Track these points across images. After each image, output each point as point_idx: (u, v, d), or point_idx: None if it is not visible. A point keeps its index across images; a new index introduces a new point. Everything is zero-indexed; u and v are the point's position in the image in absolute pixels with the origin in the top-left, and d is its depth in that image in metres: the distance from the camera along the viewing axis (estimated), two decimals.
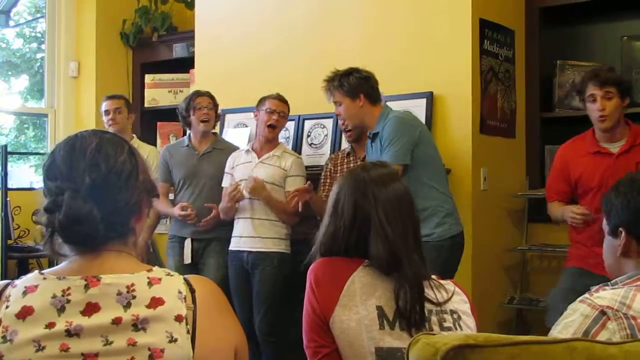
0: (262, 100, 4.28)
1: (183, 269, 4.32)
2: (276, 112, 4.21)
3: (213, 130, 4.64)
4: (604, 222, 1.99)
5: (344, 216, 2.00)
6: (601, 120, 3.48)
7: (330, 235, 2.03)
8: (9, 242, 5.17)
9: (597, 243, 3.38)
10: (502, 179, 4.34)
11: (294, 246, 4.14)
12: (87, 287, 1.43)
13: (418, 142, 3.60)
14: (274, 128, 4.23)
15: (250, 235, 4.17)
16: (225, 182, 4.31)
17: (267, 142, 4.26)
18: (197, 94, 4.57)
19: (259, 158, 4.25)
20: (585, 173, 3.55)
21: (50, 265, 5.19)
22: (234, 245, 4.24)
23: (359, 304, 1.88)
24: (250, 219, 4.18)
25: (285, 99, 4.29)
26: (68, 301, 1.41)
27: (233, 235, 4.25)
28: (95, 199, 1.44)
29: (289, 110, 4.31)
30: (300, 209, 4.00)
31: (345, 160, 4.16)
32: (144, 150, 4.78)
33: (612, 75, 3.50)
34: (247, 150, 4.33)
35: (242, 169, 4.26)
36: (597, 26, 4.77)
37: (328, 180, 4.19)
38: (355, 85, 3.66)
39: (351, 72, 3.70)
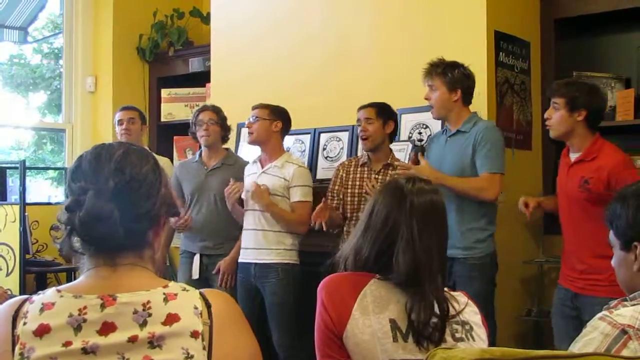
0: None
1: (192, 284, 4.32)
2: (249, 120, 4.26)
3: (225, 146, 4.65)
4: (611, 235, 1.93)
5: (374, 225, 2.00)
6: (547, 127, 3.61)
7: (357, 244, 2.02)
8: (27, 256, 5.19)
9: (564, 254, 3.64)
10: (518, 190, 4.31)
11: (310, 258, 4.13)
12: (103, 306, 1.43)
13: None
14: (250, 134, 4.25)
15: (255, 246, 4.18)
16: (243, 195, 4.33)
17: (267, 150, 4.27)
18: (201, 109, 4.60)
19: (262, 168, 4.26)
20: (558, 179, 3.72)
21: (69, 280, 5.22)
22: (241, 258, 4.26)
23: (372, 317, 1.88)
24: (255, 231, 4.18)
25: (259, 104, 4.29)
26: (84, 320, 1.42)
27: (241, 247, 4.27)
28: (117, 202, 1.45)
29: (268, 110, 4.27)
30: (324, 228, 3.96)
31: (359, 170, 4.13)
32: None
33: (564, 88, 3.53)
34: (254, 162, 4.36)
35: (248, 180, 4.28)
36: (613, 37, 4.75)
37: (336, 187, 4.17)
38: (458, 79, 3.73)
39: (458, 66, 3.75)
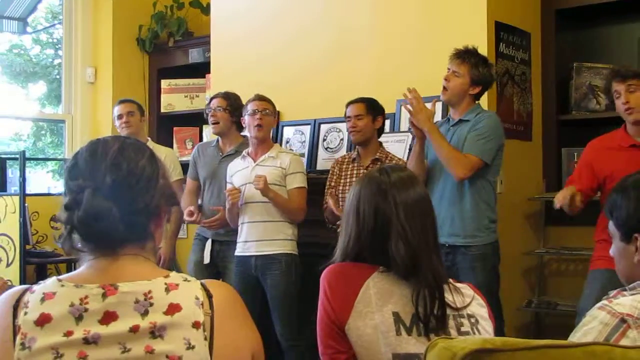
0: (244, 106, 4.30)
1: (204, 270, 4.38)
2: (258, 111, 4.20)
3: (243, 133, 4.58)
4: (611, 226, 1.93)
5: (366, 220, 1.98)
6: (628, 112, 3.48)
7: (355, 241, 2.00)
8: (28, 247, 5.19)
9: None
10: (519, 182, 4.32)
11: (309, 249, 4.13)
12: (104, 295, 1.43)
13: (500, 147, 3.71)
14: (261, 127, 4.20)
15: (256, 239, 4.16)
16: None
17: (260, 144, 4.25)
18: (213, 96, 4.59)
19: (254, 162, 4.24)
20: (619, 169, 3.43)
21: (69, 270, 5.23)
22: (239, 251, 4.23)
23: (375, 310, 1.87)
24: (255, 223, 4.17)
25: (265, 97, 4.28)
26: (86, 310, 1.42)
27: (238, 240, 4.24)
28: (115, 198, 1.46)
29: (273, 107, 4.28)
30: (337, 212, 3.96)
31: (350, 166, 4.15)
32: (160, 152, 4.63)
33: (632, 69, 3.52)
34: (243, 156, 4.31)
35: (240, 175, 4.25)
36: (613, 28, 4.74)
37: (332, 183, 4.19)
38: (484, 76, 3.71)
39: (487, 62, 3.74)
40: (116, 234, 1.47)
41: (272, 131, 4.45)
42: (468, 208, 3.64)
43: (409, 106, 3.65)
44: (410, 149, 4.16)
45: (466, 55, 3.71)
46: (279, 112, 4.58)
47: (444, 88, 3.74)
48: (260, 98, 4.27)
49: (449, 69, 3.74)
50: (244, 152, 4.34)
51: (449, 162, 3.60)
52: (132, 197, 1.48)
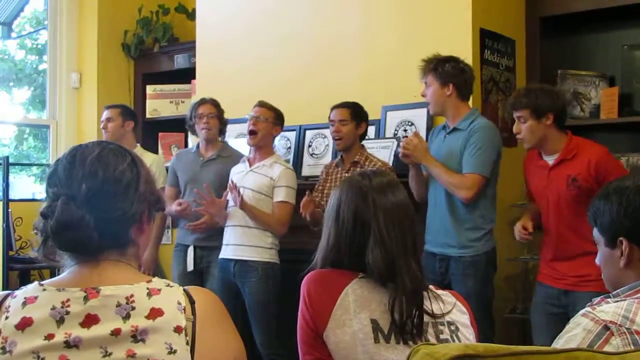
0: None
1: (187, 277, 4.36)
2: (254, 117, 4.21)
3: (223, 139, 4.66)
4: (596, 233, 1.93)
5: (345, 224, 1.97)
6: (521, 141, 3.58)
7: (334, 244, 2.00)
8: (11, 253, 5.16)
9: (548, 254, 3.56)
10: (503, 188, 4.31)
11: (291, 255, 4.11)
12: (86, 298, 1.43)
13: (498, 156, 3.72)
14: (254, 134, 4.22)
15: (236, 243, 4.18)
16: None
17: (258, 150, 4.26)
18: (200, 102, 4.60)
19: (250, 167, 4.25)
20: (532, 184, 3.67)
21: (52, 276, 5.19)
22: (222, 254, 4.26)
23: (353, 318, 1.85)
24: (237, 227, 4.19)
25: (266, 103, 4.28)
26: (67, 313, 1.41)
27: (223, 243, 4.26)
28: (90, 207, 1.44)
29: (274, 114, 4.28)
30: (308, 219, 3.96)
31: (335, 170, 4.18)
32: (148, 159, 4.66)
33: (523, 100, 3.50)
34: (243, 160, 4.35)
35: (236, 178, 4.27)
36: (598, 35, 4.77)
37: (320, 187, 4.22)
38: (449, 73, 3.67)
39: (450, 60, 3.71)
40: (91, 242, 1.45)
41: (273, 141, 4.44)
42: (462, 220, 3.65)
43: (403, 150, 3.67)
44: (395, 155, 4.17)
45: (426, 64, 3.73)
46: None
47: (428, 104, 3.77)
48: (259, 104, 4.29)
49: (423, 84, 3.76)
50: (244, 157, 4.36)
51: (451, 188, 3.63)
52: (107, 204, 1.47)
